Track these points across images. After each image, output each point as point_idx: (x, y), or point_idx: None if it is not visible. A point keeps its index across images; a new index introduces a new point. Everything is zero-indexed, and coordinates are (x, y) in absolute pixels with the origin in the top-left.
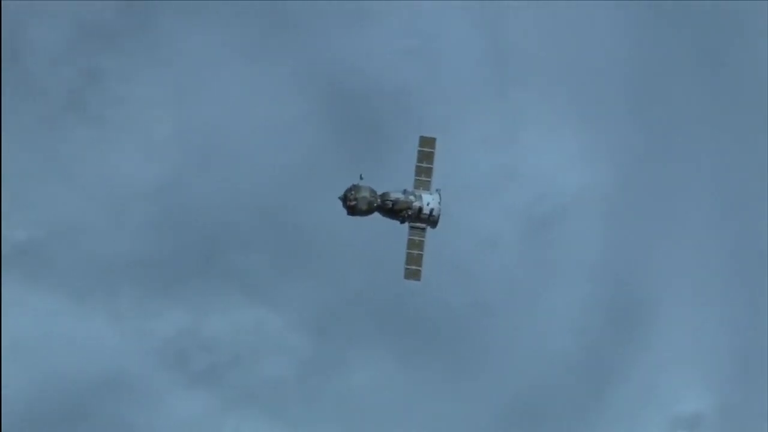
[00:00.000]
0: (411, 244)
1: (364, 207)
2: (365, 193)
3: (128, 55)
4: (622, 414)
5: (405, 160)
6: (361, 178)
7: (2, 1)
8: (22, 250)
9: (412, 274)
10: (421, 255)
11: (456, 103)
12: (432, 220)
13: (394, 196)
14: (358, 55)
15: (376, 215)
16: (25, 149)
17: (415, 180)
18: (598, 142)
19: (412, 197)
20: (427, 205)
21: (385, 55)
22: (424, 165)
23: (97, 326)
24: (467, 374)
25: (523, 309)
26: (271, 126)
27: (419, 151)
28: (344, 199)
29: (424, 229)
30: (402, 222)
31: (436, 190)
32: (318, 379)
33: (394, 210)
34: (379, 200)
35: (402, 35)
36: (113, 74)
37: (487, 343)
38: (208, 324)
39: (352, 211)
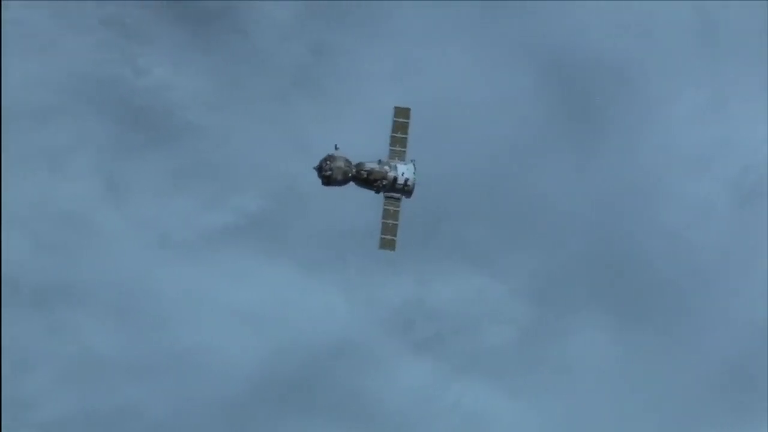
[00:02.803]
0: (386, 213)
1: (339, 177)
2: (340, 163)
3: (354, 30)
4: None
5: (622, 133)
6: (336, 148)
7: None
8: (254, 221)
9: (387, 244)
10: (396, 225)
11: (668, 75)
12: (407, 190)
13: (369, 166)
14: (574, 30)
15: (351, 185)
16: (256, 123)
17: (390, 150)
18: None
19: (386, 167)
20: (402, 175)
21: (601, 30)
22: (399, 135)
23: (328, 296)
24: (682, 343)
25: (737, 278)
26: (491, 100)
27: (394, 122)
28: (319, 169)
29: (399, 199)
30: (377, 192)
31: (411, 161)
32: (538, 346)
33: (369, 180)
34: (354, 170)
35: (617, 10)
36: (340, 49)
37: (701, 312)
38: (432, 293)
39: (328, 181)
